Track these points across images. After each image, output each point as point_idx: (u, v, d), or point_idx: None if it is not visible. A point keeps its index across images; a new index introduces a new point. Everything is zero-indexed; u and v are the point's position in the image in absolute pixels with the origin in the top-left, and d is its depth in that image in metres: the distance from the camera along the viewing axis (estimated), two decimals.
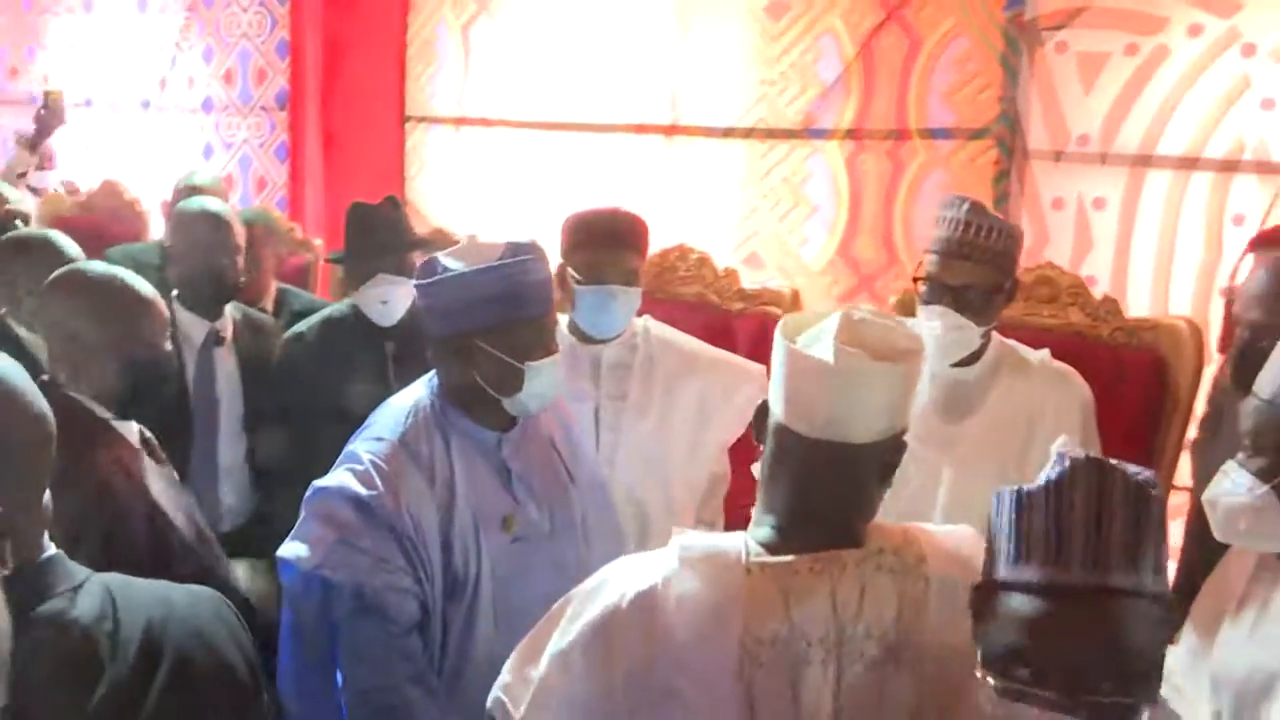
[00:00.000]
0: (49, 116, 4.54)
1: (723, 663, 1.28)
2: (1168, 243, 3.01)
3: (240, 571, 2.26)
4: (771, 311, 2.82)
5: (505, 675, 1.43)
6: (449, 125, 4.34)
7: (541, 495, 1.93)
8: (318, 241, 3.85)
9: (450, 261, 1.83)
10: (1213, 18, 2.88)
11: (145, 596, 1.21)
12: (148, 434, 2.02)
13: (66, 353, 1.92)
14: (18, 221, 3.20)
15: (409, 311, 2.65)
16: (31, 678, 1.02)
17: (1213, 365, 2.42)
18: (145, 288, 1.99)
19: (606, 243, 2.33)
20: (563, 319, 2.30)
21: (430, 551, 1.78)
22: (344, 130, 4.54)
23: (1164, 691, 1.22)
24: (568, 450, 2.04)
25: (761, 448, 1.37)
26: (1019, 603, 1.13)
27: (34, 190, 4.49)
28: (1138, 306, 2.86)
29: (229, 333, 2.76)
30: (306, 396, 2.60)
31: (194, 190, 3.40)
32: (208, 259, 2.69)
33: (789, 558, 1.30)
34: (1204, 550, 1.81)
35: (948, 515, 2.05)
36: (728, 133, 3.66)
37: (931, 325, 2.11)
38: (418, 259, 2.62)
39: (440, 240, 3.27)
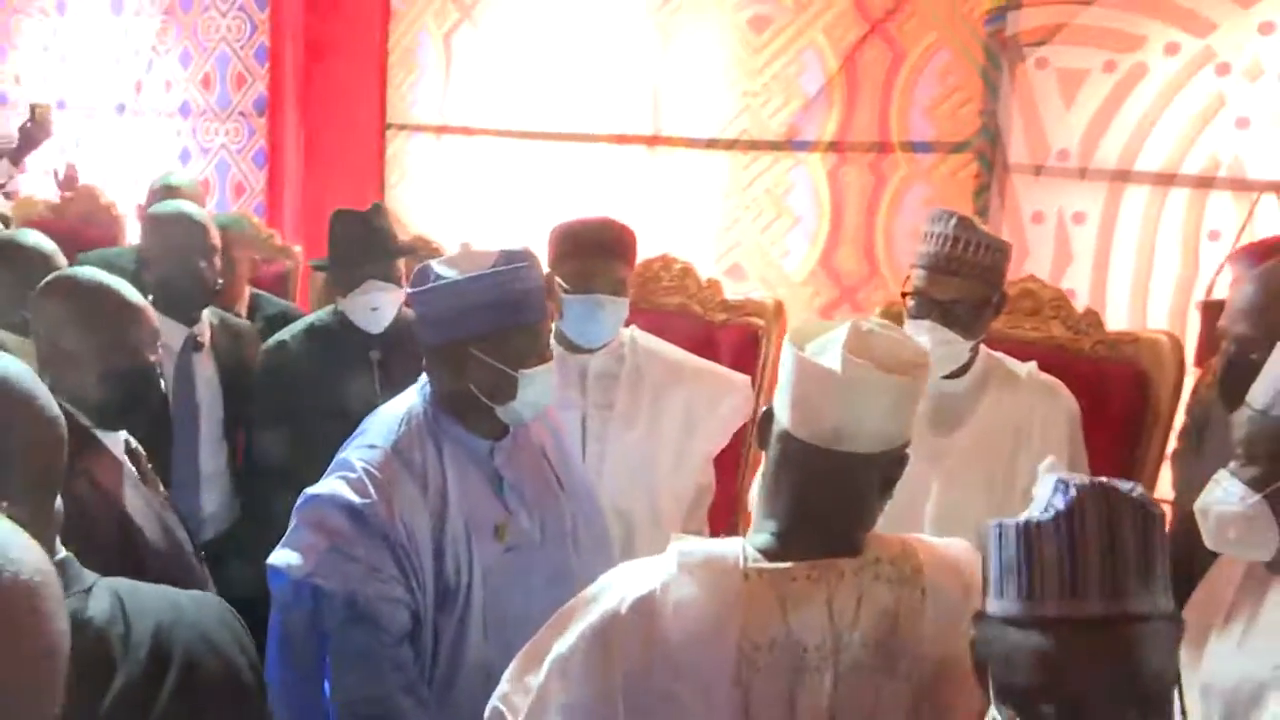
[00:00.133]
0: (35, 130, 4.47)
1: (720, 667, 1.29)
2: (1146, 257, 3.05)
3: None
4: (754, 323, 2.83)
5: (504, 685, 1.43)
6: (430, 133, 4.33)
7: (533, 504, 1.93)
8: (297, 248, 3.81)
9: (443, 269, 1.83)
10: (1189, 37, 2.92)
11: (153, 601, 1.21)
12: (134, 444, 1.98)
13: (52, 359, 1.89)
14: None
15: (394, 319, 2.62)
16: None
17: (1191, 378, 2.45)
18: (134, 295, 1.96)
19: (595, 252, 2.34)
20: None
21: (423, 560, 1.77)
22: (324, 137, 4.51)
23: None
24: (558, 459, 2.03)
25: (764, 454, 1.38)
26: (1037, 640, 1.11)
27: (5, 194, 4.44)
28: (1116, 320, 2.89)
29: (207, 338, 2.69)
30: (292, 404, 2.56)
31: (170, 190, 3.35)
32: (183, 261, 2.61)
33: (787, 564, 1.31)
34: (1187, 561, 1.82)
35: (936, 526, 2.05)
36: (710, 144, 3.67)
37: (920, 340, 2.11)
38: (404, 266, 2.62)
39: (422, 248, 3.25)
